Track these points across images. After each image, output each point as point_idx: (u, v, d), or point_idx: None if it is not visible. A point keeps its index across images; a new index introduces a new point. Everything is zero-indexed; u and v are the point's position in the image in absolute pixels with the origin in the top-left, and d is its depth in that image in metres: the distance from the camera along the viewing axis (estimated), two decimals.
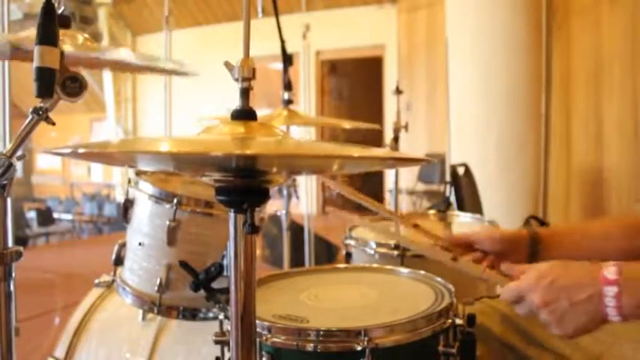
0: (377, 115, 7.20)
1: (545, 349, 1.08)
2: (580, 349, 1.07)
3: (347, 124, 1.86)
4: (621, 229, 1.13)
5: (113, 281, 1.49)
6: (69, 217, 9.41)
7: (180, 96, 4.59)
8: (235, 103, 0.73)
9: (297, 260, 3.11)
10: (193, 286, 1.03)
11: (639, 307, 0.80)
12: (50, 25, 0.81)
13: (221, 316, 0.97)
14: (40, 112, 0.84)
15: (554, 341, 1.08)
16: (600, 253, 1.11)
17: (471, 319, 0.95)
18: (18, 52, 1.00)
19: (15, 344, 0.89)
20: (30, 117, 0.85)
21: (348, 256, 1.50)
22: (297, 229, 3.00)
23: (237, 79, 0.71)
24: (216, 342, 0.95)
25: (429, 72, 6.50)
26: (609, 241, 1.12)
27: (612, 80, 4.10)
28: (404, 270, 1.19)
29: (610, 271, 0.81)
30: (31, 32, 0.85)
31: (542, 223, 2.64)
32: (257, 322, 0.82)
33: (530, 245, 1.11)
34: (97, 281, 1.63)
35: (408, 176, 6.20)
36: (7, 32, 1.64)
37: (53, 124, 0.85)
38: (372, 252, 1.43)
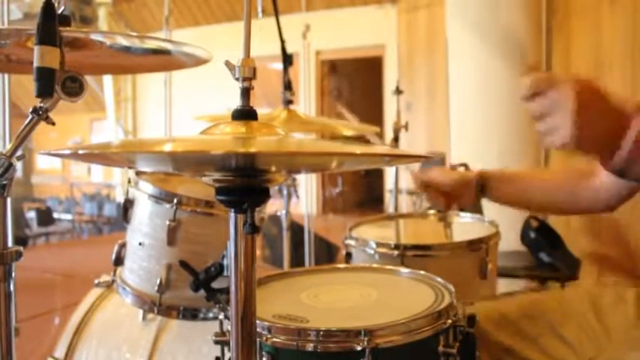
0: (377, 115, 7.20)
1: (543, 351, 1.08)
2: (575, 350, 1.07)
3: (346, 131, 1.82)
4: (565, 177, 1.24)
5: (113, 281, 1.49)
6: (69, 217, 9.43)
7: (180, 96, 4.60)
8: (235, 103, 0.72)
9: (297, 260, 3.11)
10: (193, 286, 1.02)
11: None
12: (50, 25, 0.81)
13: (221, 316, 0.97)
14: (40, 112, 0.84)
15: (551, 342, 1.08)
16: (545, 195, 1.26)
17: (471, 320, 0.95)
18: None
19: (15, 344, 0.89)
20: (30, 117, 0.84)
21: (348, 256, 1.50)
22: (297, 229, 3.00)
23: (237, 79, 0.71)
24: (216, 342, 0.95)
25: (429, 72, 6.50)
26: (554, 187, 1.25)
27: (612, 80, 4.09)
28: (404, 270, 1.19)
29: None
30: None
31: (542, 223, 2.64)
32: (257, 322, 0.82)
33: (477, 184, 1.27)
34: (97, 281, 1.63)
35: (408, 176, 6.19)
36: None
37: (53, 124, 0.85)
38: (372, 252, 1.43)
